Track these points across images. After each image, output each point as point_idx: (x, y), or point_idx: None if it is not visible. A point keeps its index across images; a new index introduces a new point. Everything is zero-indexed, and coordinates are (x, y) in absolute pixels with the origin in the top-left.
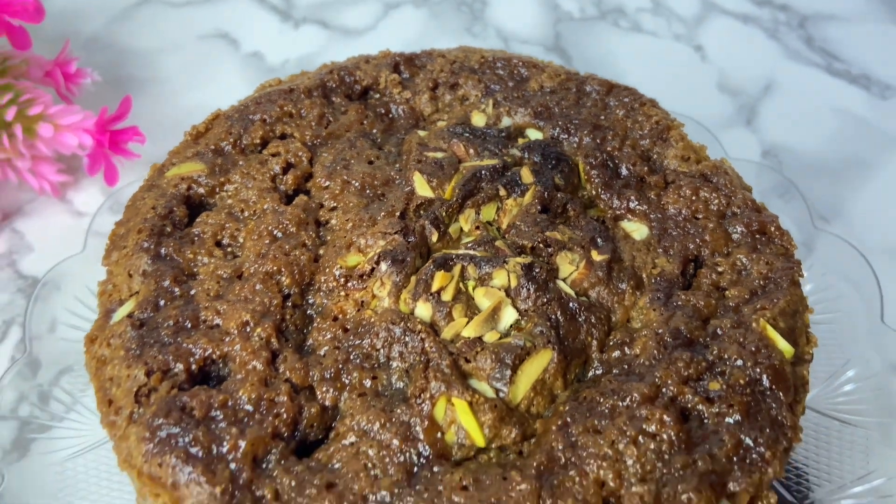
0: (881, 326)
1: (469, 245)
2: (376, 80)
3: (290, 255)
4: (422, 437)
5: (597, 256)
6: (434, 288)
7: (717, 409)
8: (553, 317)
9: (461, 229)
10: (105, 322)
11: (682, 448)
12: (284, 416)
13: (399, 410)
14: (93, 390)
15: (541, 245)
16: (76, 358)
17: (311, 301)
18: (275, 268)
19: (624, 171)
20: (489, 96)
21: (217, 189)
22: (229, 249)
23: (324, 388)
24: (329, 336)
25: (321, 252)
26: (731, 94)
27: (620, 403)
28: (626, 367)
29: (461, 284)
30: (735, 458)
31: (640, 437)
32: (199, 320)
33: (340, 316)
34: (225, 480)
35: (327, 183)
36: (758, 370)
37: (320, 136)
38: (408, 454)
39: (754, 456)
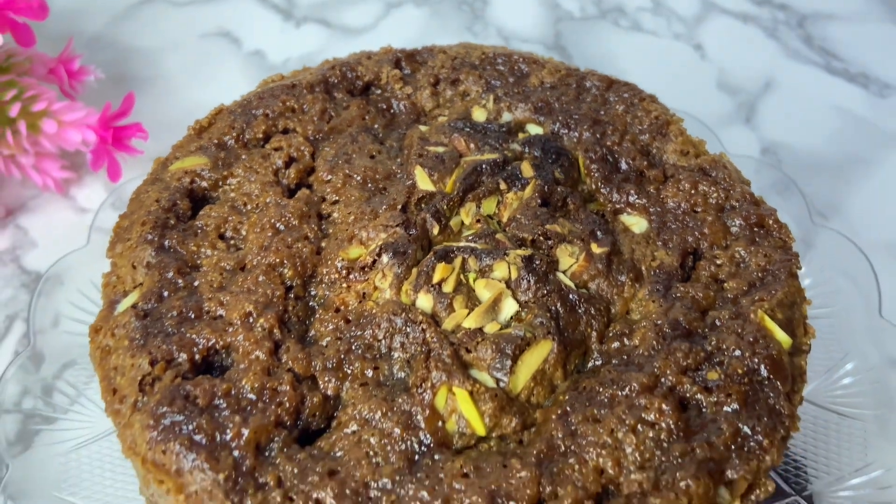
0: (879, 321)
1: (470, 238)
2: (378, 75)
3: (293, 248)
4: (423, 425)
5: (596, 249)
6: (435, 279)
7: (715, 399)
8: (553, 308)
9: (462, 222)
10: (109, 313)
11: (681, 436)
12: (287, 404)
13: (400, 400)
14: (96, 383)
15: (541, 238)
16: (80, 351)
17: (313, 293)
18: (277, 260)
19: (623, 166)
20: (490, 92)
21: (220, 182)
22: (232, 242)
23: (326, 378)
24: (331, 327)
25: (323, 244)
26: (730, 93)
27: (619, 393)
28: (625, 357)
29: (462, 276)
30: (733, 446)
31: (639, 426)
32: (202, 311)
33: (342, 307)
34: (228, 467)
35: (329, 177)
36: (756, 360)
37: (322, 131)
38: (409, 442)
39: (752, 444)
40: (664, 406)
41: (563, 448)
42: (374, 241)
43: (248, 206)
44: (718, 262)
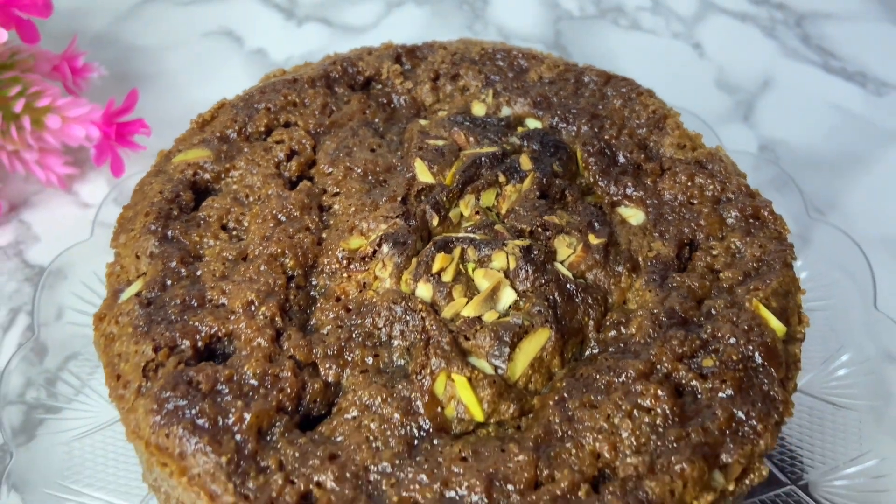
0: (875, 313)
1: (469, 229)
2: (378, 70)
3: (294, 238)
4: (422, 411)
5: (594, 240)
6: (434, 269)
7: (710, 385)
8: (551, 297)
9: (461, 214)
10: (113, 301)
11: (676, 422)
12: (288, 390)
13: (400, 386)
14: (100, 374)
15: (539, 229)
16: (84, 342)
17: (314, 283)
18: (279, 250)
19: (621, 159)
20: (489, 87)
21: (222, 175)
22: (234, 233)
23: (327, 365)
24: (332, 316)
25: (324, 235)
26: (728, 91)
27: (616, 380)
28: (621, 345)
29: (461, 266)
30: (727, 431)
31: (635, 412)
32: (205, 299)
33: (343, 296)
34: (230, 451)
35: (330, 169)
36: (750, 347)
37: (323, 125)
38: (409, 427)
39: (746, 429)
40: (660, 392)
41: (560, 433)
42: (375, 232)
43: (251, 198)
44: (714, 252)
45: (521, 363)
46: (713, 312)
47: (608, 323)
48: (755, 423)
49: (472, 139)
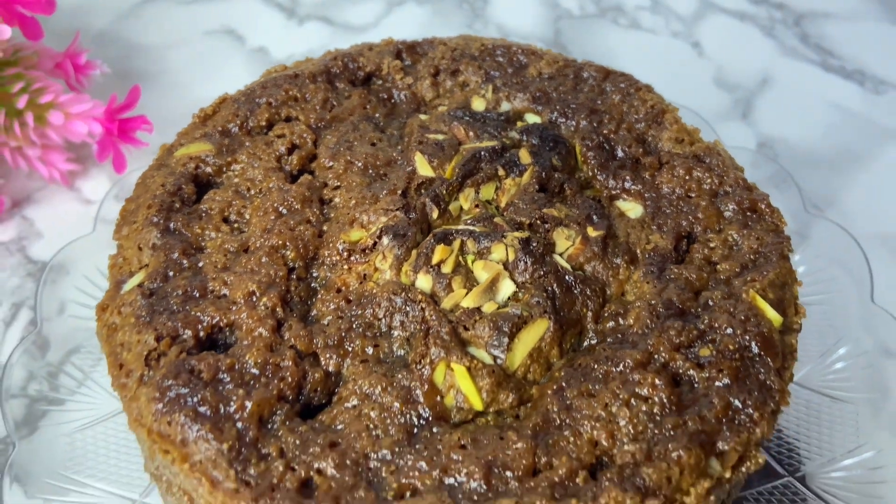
0: (872, 307)
1: (468, 221)
2: (379, 66)
3: (295, 231)
4: (422, 400)
5: (592, 232)
6: (434, 261)
7: (707, 374)
8: (549, 289)
9: (461, 207)
10: (116, 292)
11: (673, 410)
12: (289, 379)
13: (400, 375)
14: (103, 367)
15: (538, 221)
16: (86, 335)
17: (315, 274)
18: (280, 242)
19: (620, 153)
20: (489, 82)
21: (224, 168)
22: (236, 225)
23: (327, 355)
24: (332, 306)
25: (325, 228)
26: (727, 89)
27: (614, 369)
28: (619, 336)
29: (461, 258)
30: (724, 419)
31: (633, 400)
32: (206, 290)
33: (343, 288)
34: (232, 438)
35: (331, 163)
36: (747, 337)
37: (324, 120)
38: (408, 416)
39: (743, 417)
40: (657, 381)
41: (558, 421)
42: (375, 225)
43: (252, 191)
44: (712, 245)
45: (519, 353)
46: (710, 303)
47: (606, 314)
48: (751, 411)
49: (471, 134)
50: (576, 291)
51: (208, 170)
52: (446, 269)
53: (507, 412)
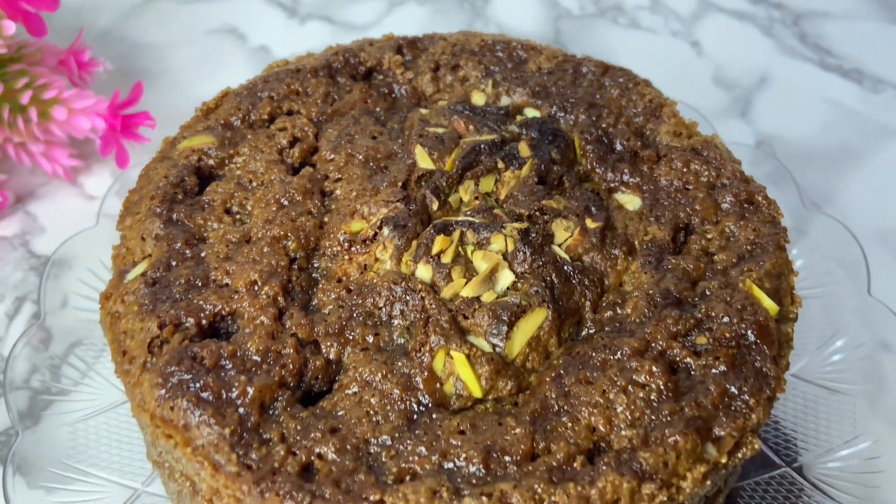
0: (869, 301)
1: (468, 213)
2: (380, 61)
3: (297, 222)
4: (421, 387)
5: (591, 224)
6: (434, 251)
7: (703, 362)
8: (548, 279)
9: (461, 199)
10: (119, 281)
11: (670, 396)
12: (290, 366)
13: (400, 363)
14: (105, 359)
15: (537, 213)
16: (89, 328)
17: (316, 265)
18: (281, 233)
19: (618, 147)
20: (489, 77)
21: (226, 161)
22: (238, 216)
23: (328, 343)
24: (333, 296)
25: (326, 219)
26: (726, 88)
27: (612, 357)
28: (617, 325)
29: (460, 248)
30: (720, 406)
31: (630, 387)
32: (209, 279)
33: (344, 278)
34: (234, 423)
35: (332, 156)
36: (743, 326)
37: (325, 113)
38: (408, 402)
39: (739, 403)
40: (654, 368)
41: (556, 408)
42: (376, 216)
43: (254, 183)
44: (709, 236)
45: (518, 341)
46: (707, 293)
47: (604, 304)
48: (747, 397)
49: (471, 127)
50: (574, 281)
51: (211, 162)
52: (446, 259)
53: (506, 399)
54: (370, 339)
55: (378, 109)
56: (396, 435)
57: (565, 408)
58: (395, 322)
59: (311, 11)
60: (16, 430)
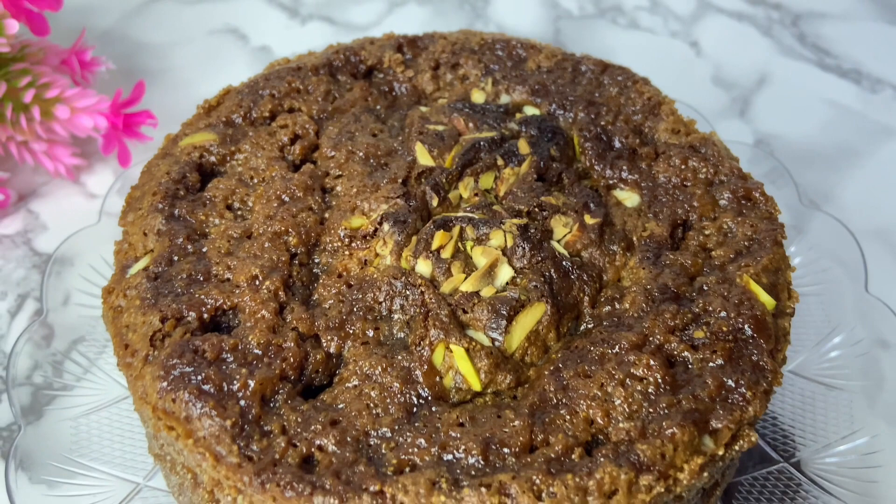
0: (866, 298)
1: (468, 209)
2: (380, 59)
3: (297, 218)
4: (421, 380)
5: (589, 220)
6: (434, 246)
7: (701, 356)
8: (547, 274)
9: (460, 196)
10: (121, 276)
11: (668, 390)
12: (291, 360)
13: (400, 357)
14: (108, 354)
15: (536, 209)
16: (92, 324)
17: (316, 260)
18: (282, 228)
19: (617, 144)
20: (488, 75)
21: (228, 157)
22: (239, 212)
23: (328, 337)
24: (334, 291)
25: (326, 215)
26: (724, 88)
27: (610, 351)
28: (615, 319)
29: (460, 244)
30: (717, 399)
31: (628, 380)
32: (210, 274)
33: (345, 273)
34: (235, 415)
35: (333, 153)
36: (740, 320)
37: (326, 111)
38: (408, 395)
39: (736, 396)
40: (652, 362)
41: (554, 400)
42: (376, 212)
43: (255, 180)
44: (707, 232)
45: (517, 335)
46: (705, 288)
47: (603, 299)
48: (744, 390)
49: (471, 125)
50: (573, 277)
51: (212, 159)
52: (446, 254)
53: (505, 393)
54: (370, 333)
55: (378, 107)
56: (396, 427)
57: (564, 401)
58: (395, 316)
59: (312, 12)
60: (18, 424)
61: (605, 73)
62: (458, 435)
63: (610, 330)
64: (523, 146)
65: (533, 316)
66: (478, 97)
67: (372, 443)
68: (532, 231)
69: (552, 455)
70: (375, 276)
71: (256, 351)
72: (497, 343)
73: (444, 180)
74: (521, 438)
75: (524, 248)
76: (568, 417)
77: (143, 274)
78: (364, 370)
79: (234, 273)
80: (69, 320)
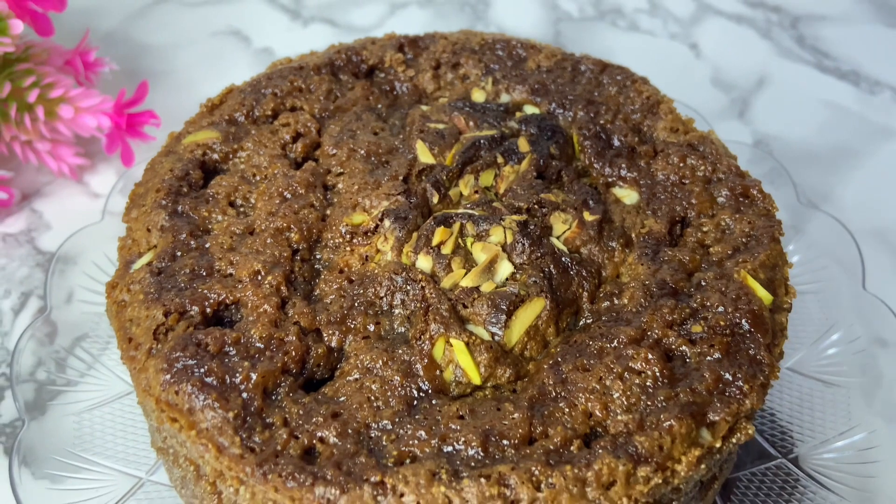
0: (864, 295)
1: (468, 206)
2: (382, 59)
3: (299, 214)
4: (421, 374)
5: (588, 217)
6: (434, 242)
7: (698, 350)
8: (546, 269)
9: (461, 193)
10: (125, 271)
11: (666, 383)
12: (293, 353)
13: (400, 351)
14: (111, 351)
15: (536, 206)
16: (95, 321)
17: (318, 256)
18: (284, 224)
19: (616, 142)
20: (489, 75)
21: (230, 155)
22: (241, 209)
23: (330, 331)
24: (335, 286)
25: (328, 212)
26: (724, 89)
27: (608, 345)
28: (614, 314)
29: (460, 240)
30: (715, 392)
31: (626, 374)
32: (213, 269)
33: (346, 269)
34: (237, 407)
35: (334, 151)
36: (738, 315)
37: (328, 110)
38: (408, 389)
39: (733, 389)
40: (650, 356)
41: (553, 394)
42: (377, 209)
43: (257, 177)
44: (705, 229)
45: (517, 330)
46: (703, 283)
47: (601, 294)
48: (742, 384)
49: (471, 123)
50: (572, 273)
51: (215, 156)
52: (446, 250)
53: (505, 387)
54: (371, 327)
55: (380, 106)
56: (397, 420)
57: (562, 394)
58: (396, 311)
59: (313, 14)
60: (22, 420)
61: (605, 73)
62: (458, 427)
63: (609, 325)
64: (523, 144)
65: (532, 311)
66: (478, 96)
67: (373, 435)
68: (532, 227)
69: (551, 447)
70: (376, 271)
71: (258, 344)
72: (497, 337)
73: (444, 178)
74: (520, 431)
75: (524, 245)
76: (567, 410)
77: (146, 269)
78: (365, 364)
79: (237, 268)
80: (72, 317)
